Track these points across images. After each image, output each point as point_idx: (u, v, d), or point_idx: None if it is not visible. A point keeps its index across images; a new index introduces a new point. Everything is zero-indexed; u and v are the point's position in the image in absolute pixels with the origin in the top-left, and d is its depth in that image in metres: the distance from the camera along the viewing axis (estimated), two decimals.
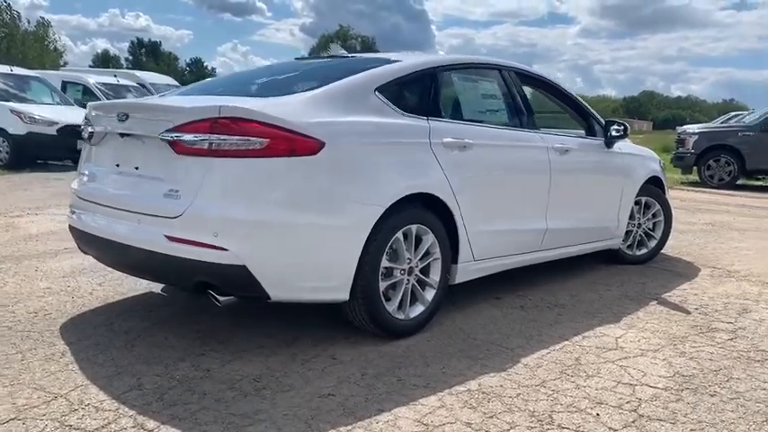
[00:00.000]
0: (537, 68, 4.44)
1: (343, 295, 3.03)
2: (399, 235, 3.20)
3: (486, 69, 4.11)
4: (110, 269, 4.42)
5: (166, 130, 2.89)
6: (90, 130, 3.43)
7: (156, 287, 4.12)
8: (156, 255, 2.88)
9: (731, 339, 3.53)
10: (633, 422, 2.51)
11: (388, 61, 3.56)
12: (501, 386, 2.80)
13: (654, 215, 5.41)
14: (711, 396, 2.78)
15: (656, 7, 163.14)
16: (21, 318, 3.48)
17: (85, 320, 3.50)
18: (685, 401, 2.72)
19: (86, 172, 3.45)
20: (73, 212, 3.46)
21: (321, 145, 2.89)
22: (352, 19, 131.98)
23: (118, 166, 3.23)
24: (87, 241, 3.36)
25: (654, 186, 5.34)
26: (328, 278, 2.99)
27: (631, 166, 5.07)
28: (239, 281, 2.81)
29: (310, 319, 3.51)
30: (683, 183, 13.70)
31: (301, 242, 2.89)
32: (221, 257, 2.75)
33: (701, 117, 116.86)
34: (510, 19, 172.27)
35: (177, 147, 2.87)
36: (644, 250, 5.40)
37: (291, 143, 2.82)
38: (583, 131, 4.84)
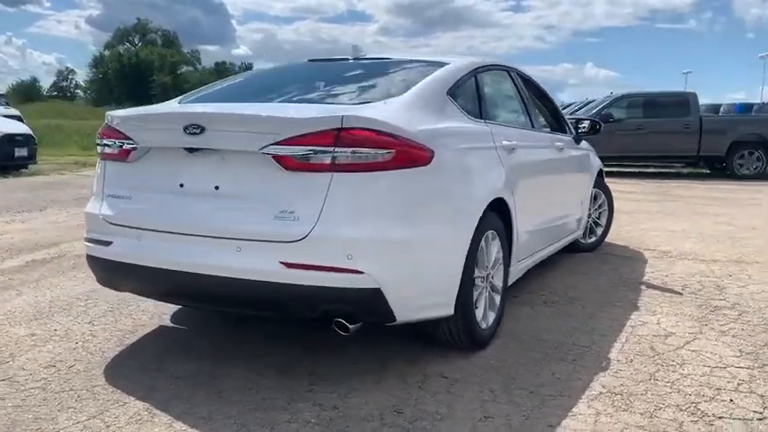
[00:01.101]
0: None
1: (449, 310, 2.89)
2: (483, 242, 3.12)
3: (502, 71, 4.13)
4: (82, 305, 3.85)
5: (271, 144, 2.55)
6: (121, 144, 2.91)
7: (161, 319, 3.63)
8: (268, 285, 2.54)
9: (740, 315, 3.91)
10: (765, 404, 2.69)
11: (441, 63, 3.43)
12: (623, 385, 2.85)
13: (600, 205, 5.80)
14: None
15: (446, 7, 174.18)
16: (43, 375, 2.88)
17: (127, 368, 2.98)
18: None
19: (121, 194, 2.92)
20: (103, 242, 2.92)
21: (432, 154, 2.73)
22: (144, 11, 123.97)
23: (182, 186, 2.78)
24: (133, 274, 2.86)
25: (599, 178, 5.73)
26: (441, 293, 2.84)
27: (590, 160, 5.40)
28: (372, 305, 2.57)
29: (362, 337, 3.31)
30: None
31: (424, 258, 2.71)
32: (356, 282, 2.50)
33: None
34: (311, 15, 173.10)
35: (288, 162, 2.54)
36: (594, 238, 5.79)
37: (412, 154, 2.63)
38: (548, 128, 5.05)
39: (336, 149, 2.49)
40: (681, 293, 4.39)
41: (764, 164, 14.21)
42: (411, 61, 3.63)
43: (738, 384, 2.88)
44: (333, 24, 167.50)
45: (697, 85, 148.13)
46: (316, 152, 2.51)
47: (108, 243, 2.90)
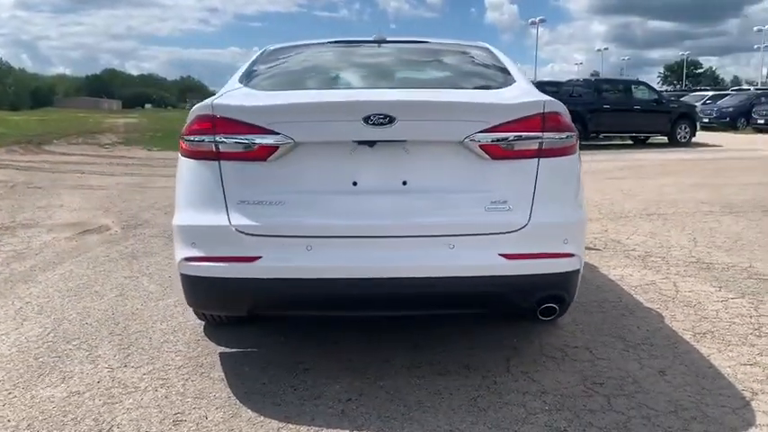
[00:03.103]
0: None
1: None
2: None
3: None
4: (73, 348, 3.11)
5: (479, 132, 2.42)
6: (255, 141, 2.44)
7: (202, 345, 3.09)
8: (487, 279, 2.44)
9: (664, 260, 4.75)
10: None
11: (480, 45, 3.51)
12: (698, 326, 3.35)
13: None
14: None
15: None
16: None
17: (277, 403, 2.53)
18: None
19: (265, 199, 2.44)
20: (243, 259, 2.42)
21: None
22: None
23: (355, 184, 2.45)
24: (297, 290, 2.46)
25: None
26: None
27: None
28: (573, 287, 2.63)
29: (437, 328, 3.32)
30: None
31: (585, 235, 2.83)
32: (568, 265, 2.55)
33: (166, 95, 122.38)
34: None
35: (495, 150, 2.45)
36: None
37: (576, 137, 2.73)
38: None
39: (544, 135, 2.48)
40: (600, 249, 5.11)
41: None
42: (452, 44, 3.59)
43: (756, 307, 3.59)
44: None
45: None
46: (524, 138, 2.46)
47: (253, 258, 2.41)
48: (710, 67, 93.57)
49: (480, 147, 2.44)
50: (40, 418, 2.43)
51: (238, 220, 2.44)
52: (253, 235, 2.42)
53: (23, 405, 2.52)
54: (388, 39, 3.55)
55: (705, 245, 5.22)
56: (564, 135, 2.54)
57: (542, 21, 48.81)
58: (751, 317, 3.49)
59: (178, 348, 3.08)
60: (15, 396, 2.60)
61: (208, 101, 2.56)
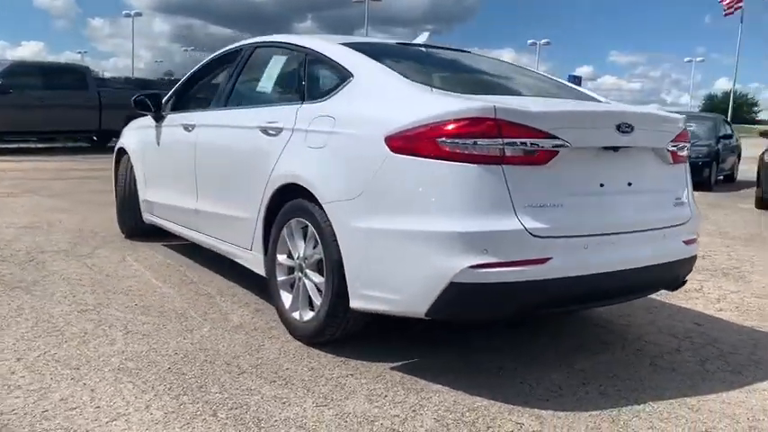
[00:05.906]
0: None
1: None
2: None
3: None
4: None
5: (671, 141, 2.99)
6: (539, 145, 2.52)
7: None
8: (675, 263, 2.97)
9: None
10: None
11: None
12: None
13: None
14: None
15: None
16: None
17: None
18: None
19: (548, 202, 2.57)
20: (533, 261, 2.48)
21: None
22: None
23: (602, 185, 2.74)
24: (574, 288, 2.60)
25: None
26: None
27: None
28: None
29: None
30: None
31: None
32: (697, 248, 3.22)
33: None
34: None
35: (674, 156, 3.06)
36: None
37: None
38: None
39: (687, 143, 3.14)
40: None
41: None
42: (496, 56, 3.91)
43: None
44: None
45: None
46: (685, 146, 3.10)
47: (545, 260, 2.49)
48: None
49: (670, 152, 2.98)
50: None
51: (529, 223, 2.49)
52: (544, 237, 2.50)
53: None
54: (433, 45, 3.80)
55: None
56: (689, 144, 3.21)
57: (138, 15, 46.96)
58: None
59: (342, 373, 2.72)
60: None
61: (477, 103, 2.54)
